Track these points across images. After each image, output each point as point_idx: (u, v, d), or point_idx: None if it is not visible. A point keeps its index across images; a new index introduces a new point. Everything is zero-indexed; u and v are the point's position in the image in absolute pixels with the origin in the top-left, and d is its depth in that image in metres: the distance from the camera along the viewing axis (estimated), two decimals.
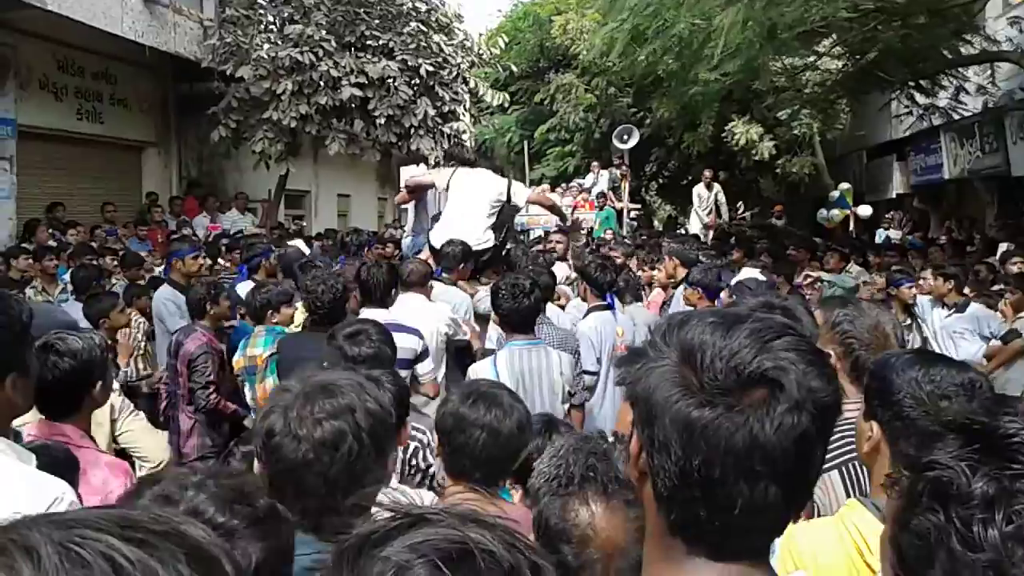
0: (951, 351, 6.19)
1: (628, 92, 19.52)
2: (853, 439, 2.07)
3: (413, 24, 12.46)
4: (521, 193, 7.16)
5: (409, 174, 8.36)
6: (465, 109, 14.22)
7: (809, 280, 8.37)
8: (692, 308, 5.06)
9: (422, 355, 4.49)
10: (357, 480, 1.65)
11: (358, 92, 11.80)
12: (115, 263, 8.17)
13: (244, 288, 5.76)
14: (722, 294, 5.40)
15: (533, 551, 0.82)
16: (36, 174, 10.86)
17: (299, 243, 8.61)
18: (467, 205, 6.78)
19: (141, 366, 5.88)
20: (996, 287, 7.46)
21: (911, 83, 12.04)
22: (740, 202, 20.34)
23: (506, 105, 17.35)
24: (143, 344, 6.13)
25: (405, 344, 4.28)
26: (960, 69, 11.54)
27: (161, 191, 13.25)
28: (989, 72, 11.92)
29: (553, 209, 8.31)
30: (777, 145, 17.43)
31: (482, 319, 5.78)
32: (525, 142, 19.73)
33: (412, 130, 12.37)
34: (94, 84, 11.92)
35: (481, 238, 6.67)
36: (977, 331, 6.53)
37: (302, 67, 11.60)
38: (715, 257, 7.96)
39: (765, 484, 0.99)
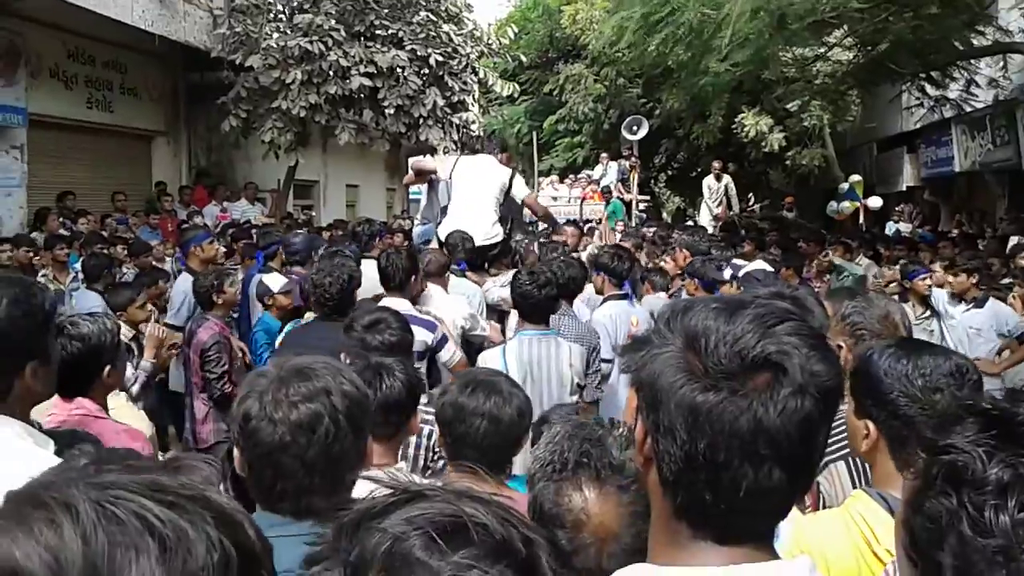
0: (965, 347, 6.14)
1: (638, 83, 19.46)
2: None
3: (423, 14, 12.45)
4: (520, 188, 7.13)
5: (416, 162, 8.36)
6: (474, 99, 14.22)
7: (824, 265, 8.32)
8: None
9: (438, 346, 4.45)
10: (335, 462, 1.66)
11: (367, 82, 11.80)
12: (125, 252, 8.23)
13: (271, 280, 5.75)
14: (725, 287, 5.40)
15: (526, 525, 0.85)
16: (47, 163, 10.90)
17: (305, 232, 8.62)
18: (472, 199, 6.78)
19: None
20: (1005, 280, 7.43)
21: (922, 75, 11.97)
22: (750, 194, 20.29)
23: (515, 95, 17.35)
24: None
25: (416, 337, 4.32)
26: (972, 61, 11.47)
27: (170, 180, 13.29)
28: (1002, 64, 11.85)
29: (546, 217, 8.22)
30: (787, 137, 17.38)
31: (490, 310, 5.80)
32: (534, 133, 19.73)
33: (421, 120, 12.38)
34: (104, 73, 11.94)
35: (489, 233, 6.67)
36: (995, 328, 6.45)
37: (311, 56, 11.60)
38: (724, 249, 7.95)
39: (769, 467, 1.01)
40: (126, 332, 4.99)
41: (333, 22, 11.75)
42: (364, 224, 7.12)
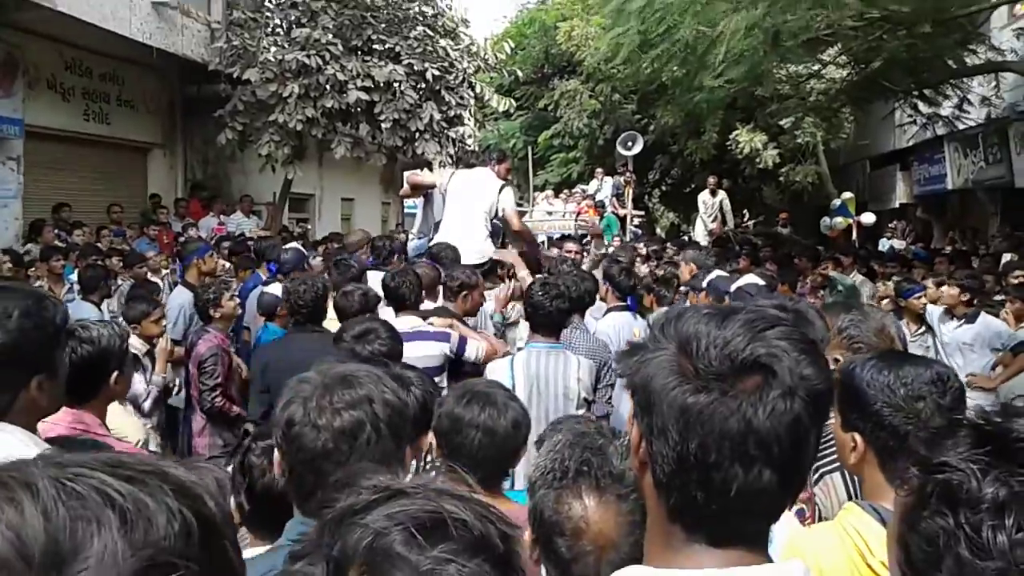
0: (958, 362, 6.16)
1: (632, 99, 19.53)
2: None
3: (420, 29, 12.52)
4: (506, 200, 7.05)
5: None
6: (471, 114, 14.28)
7: (818, 281, 8.38)
8: None
9: (460, 349, 4.42)
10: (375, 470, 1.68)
11: (364, 96, 11.85)
12: (120, 263, 8.23)
13: (276, 289, 5.76)
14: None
15: (504, 522, 0.88)
16: (43, 174, 10.90)
17: (296, 245, 8.60)
18: (463, 215, 6.77)
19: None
20: (998, 297, 7.46)
21: (915, 93, 12.05)
22: (745, 210, 20.35)
23: (511, 110, 17.38)
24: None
25: (431, 352, 4.27)
26: (964, 79, 11.55)
27: (166, 193, 13.29)
28: (994, 83, 11.94)
29: (532, 244, 7.86)
30: (781, 153, 17.44)
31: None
32: (529, 148, 19.75)
33: (417, 134, 12.43)
34: (101, 85, 11.96)
35: (480, 250, 6.66)
36: (988, 343, 6.47)
37: (309, 70, 11.64)
38: (719, 264, 7.97)
39: (759, 468, 1.02)
40: (140, 346, 4.99)
41: (331, 36, 11.80)
42: (385, 239, 7.14)
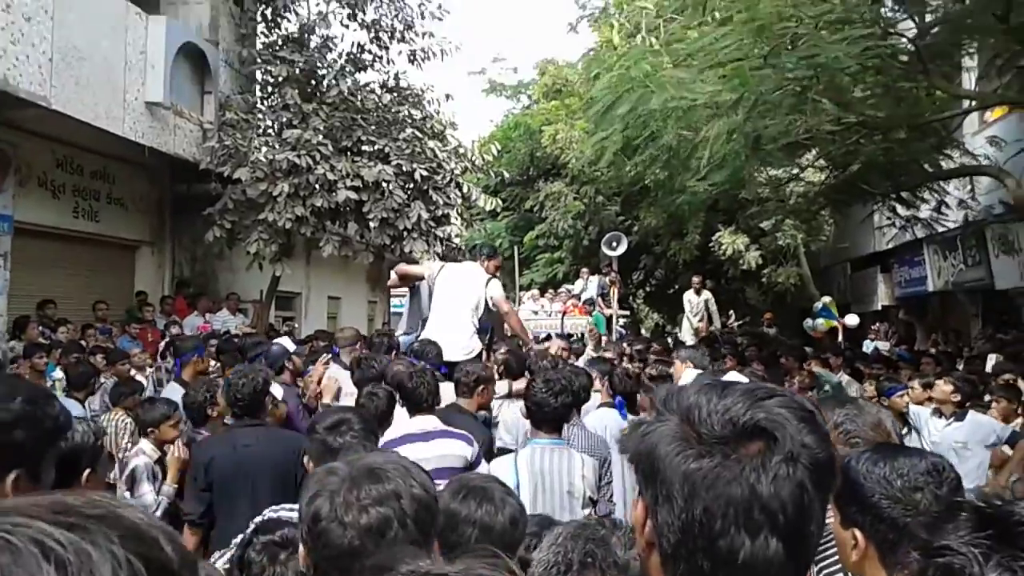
0: (953, 462, 6.07)
1: (616, 200, 19.92)
2: None
3: (408, 130, 12.78)
4: (494, 290, 7.09)
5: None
6: (458, 213, 14.46)
7: (806, 381, 8.43)
8: None
9: (477, 461, 4.22)
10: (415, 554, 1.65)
11: (353, 195, 12.01)
12: (104, 361, 8.15)
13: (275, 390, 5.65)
14: None
15: None
16: (29, 270, 10.86)
17: (285, 340, 8.56)
18: (450, 312, 6.79)
19: None
20: (986, 397, 7.45)
21: (893, 196, 12.31)
22: (731, 310, 20.54)
23: (497, 211, 17.64)
24: (129, 445, 6.01)
25: (456, 451, 4.13)
26: (941, 183, 11.83)
27: (153, 290, 13.27)
28: (969, 187, 12.22)
29: (510, 319, 7.86)
30: (763, 255, 17.71)
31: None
32: (515, 247, 20.00)
33: (405, 233, 12.55)
34: (92, 183, 12.05)
35: (467, 347, 6.65)
36: (982, 440, 6.41)
37: (299, 170, 11.81)
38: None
39: (765, 536, 1.01)
40: (152, 452, 4.88)
41: (321, 137, 12.02)
42: (384, 336, 7.11)
